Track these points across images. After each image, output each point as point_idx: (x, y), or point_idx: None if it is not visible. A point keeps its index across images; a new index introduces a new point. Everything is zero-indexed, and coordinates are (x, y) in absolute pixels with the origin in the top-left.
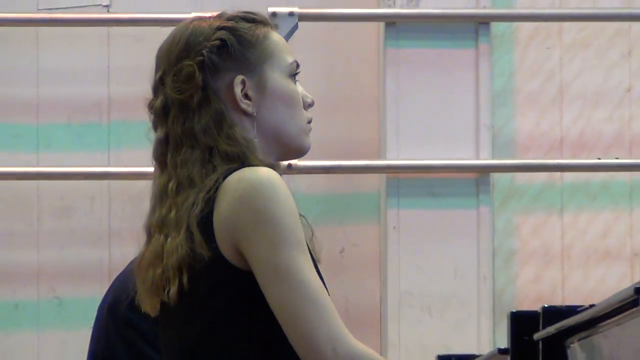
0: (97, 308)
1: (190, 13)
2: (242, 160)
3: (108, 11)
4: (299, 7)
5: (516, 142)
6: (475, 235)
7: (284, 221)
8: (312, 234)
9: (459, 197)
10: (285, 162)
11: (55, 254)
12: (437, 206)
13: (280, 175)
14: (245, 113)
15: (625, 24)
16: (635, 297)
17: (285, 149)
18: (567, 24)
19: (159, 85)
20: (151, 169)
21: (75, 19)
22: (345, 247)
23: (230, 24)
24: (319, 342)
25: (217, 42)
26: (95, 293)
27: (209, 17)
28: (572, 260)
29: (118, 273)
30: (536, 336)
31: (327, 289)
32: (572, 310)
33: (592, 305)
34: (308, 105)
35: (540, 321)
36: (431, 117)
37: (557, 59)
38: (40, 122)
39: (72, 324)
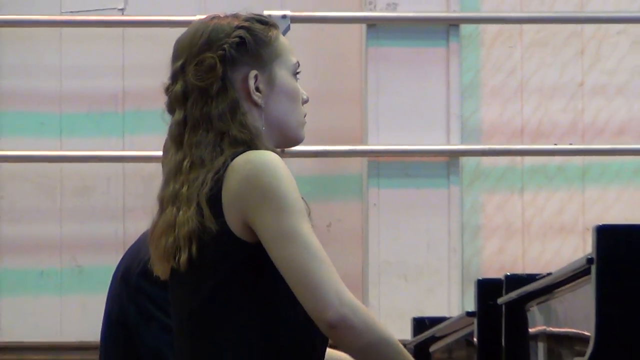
0: (112, 275)
1: (194, 15)
2: (248, 145)
3: (123, 14)
4: (291, 10)
5: (482, 130)
6: (446, 212)
7: (287, 194)
8: (309, 212)
9: (431, 178)
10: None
11: (76, 227)
12: (413, 186)
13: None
14: (255, 104)
15: (578, 26)
16: (587, 266)
17: (284, 138)
18: (527, 26)
19: (179, 72)
20: (161, 153)
21: (94, 21)
22: (332, 222)
23: (247, 24)
24: (327, 293)
25: (236, 39)
26: (111, 261)
27: (227, 17)
28: (532, 234)
29: (131, 244)
30: (500, 301)
31: None
32: (531, 278)
33: (549, 274)
34: (304, 102)
35: (503, 288)
36: (407, 108)
37: (518, 56)
38: (63, 111)
39: (91, 289)
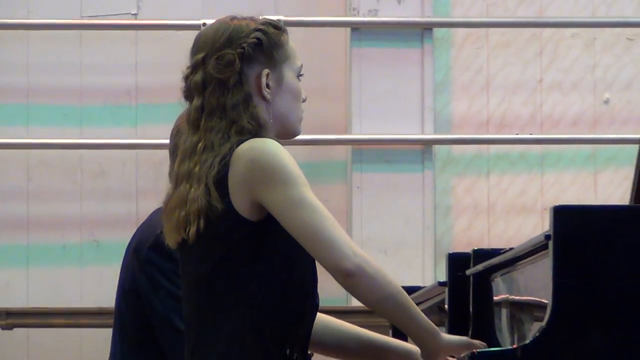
0: (125, 248)
1: (199, 20)
2: (254, 135)
3: (136, 18)
4: (284, 15)
5: (452, 121)
6: (421, 194)
7: (290, 170)
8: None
9: (408, 163)
10: None
11: (94, 206)
12: (391, 171)
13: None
14: (264, 99)
15: (537, 30)
16: (545, 242)
17: (285, 130)
18: (492, 30)
19: (200, 64)
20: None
21: (110, 24)
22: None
23: (263, 27)
24: (341, 246)
25: (254, 40)
26: (125, 237)
27: (245, 19)
28: (496, 214)
29: (142, 222)
30: (468, 272)
31: None
32: (496, 252)
33: (511, 249)
34: (303, 101)
35: (471, 261)
36: (386, 101)
37: (485, 56)
38: (83, 104)
39: (107, 261)
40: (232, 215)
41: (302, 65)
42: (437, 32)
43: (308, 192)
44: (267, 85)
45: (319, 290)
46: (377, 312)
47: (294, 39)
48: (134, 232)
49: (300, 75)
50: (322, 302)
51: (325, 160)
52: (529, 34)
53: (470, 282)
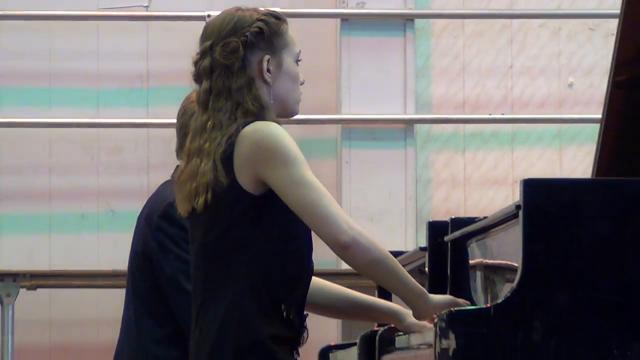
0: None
1: (204, 11)
2: (258, 116)
3: (147, 10)
4: (281, 7)
5: (432, 103)
6: (404, 168)
7: (290, 151)
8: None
9: (392, 140)
10: None
11: (109, 179)
12: (377, 147)
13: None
14: (265, 82)
15: (508, 21)
16: (516, 211)
17: (284, 110)
18: (468, 20)
19: (208, 50)
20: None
21: (124, 16)
22: None
23: (265, 17)
24: (337, 220)
25: (256, 29)
26: (138, 207)
27: (249, 10)
28: (471, 186)
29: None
30: (446, 238)
31: None
32: (471, 221)
33: (485, 217)
34: (301, 83)
35: (449, 228)
36: (373, 85)
37: (461, 44)
38: (99, 87)
39: (121, 229)
40: (236, 189)
41: (300, 51)
42: (418, 22)
43: (307, 172)
44: (268, 70)
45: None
46: (371, 278)
47: (291, 29)
48: (145, 202)
49: (299, 60)
50: (315, 266)
51: (318, 137)
52: (501, 25)
53: (448, 247)
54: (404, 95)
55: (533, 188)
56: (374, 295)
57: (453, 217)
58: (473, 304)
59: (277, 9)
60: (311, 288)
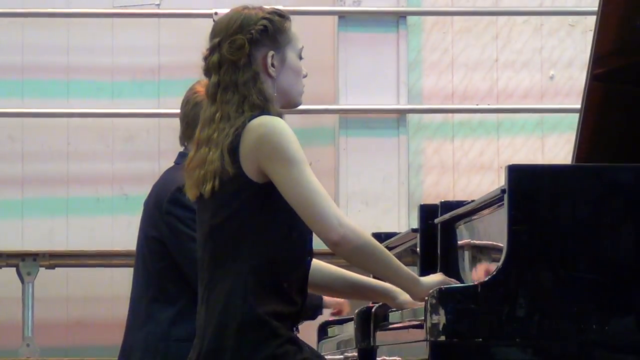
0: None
1: (211, 9)
2: (263, 109)
3: (158, 8)
4: (283, 5)
5: (423, 94)
6: (397, 155)
7: (291, 149)
8: (310, 163)
9: (386, 129)
10: None
11: (123, 165)
12: (372, 135)
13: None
14: (270, 76)
15: (494, 17)
16: (501, 195)
17: (288, 102)
18: (456, 17)
19: (216, 47)
20: None
21: (137, 13)
22: (312, 162)
23: (269, 16)
24: (329, 218)
25: (261, 27)
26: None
27: (255, 8)
28: (460, 171)
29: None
30: (436, 221)
31: None
32: (459, 204)
33: (472, 201)
34: (304, 77)
35: (439, 211)
36: (368, 77)
37: (450, 40)
38: (114, 79)
39: (134, 212)
40: (241, 178)
41: (302, 47)
42: (410, 19)
43: (304, 170)
44: (272, 65)
45: None
46: (364, 270)
47: (293, 25)
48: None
49: (301, 55)
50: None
51: (317, 126)
52: (487, 21)
53: (438, 229)
54: (397, 87)
55: (517, 173)
56: (368, 276)
57: (443, 200)
58: (461, 281)
59: (281, 7)
60: (310, 269)
